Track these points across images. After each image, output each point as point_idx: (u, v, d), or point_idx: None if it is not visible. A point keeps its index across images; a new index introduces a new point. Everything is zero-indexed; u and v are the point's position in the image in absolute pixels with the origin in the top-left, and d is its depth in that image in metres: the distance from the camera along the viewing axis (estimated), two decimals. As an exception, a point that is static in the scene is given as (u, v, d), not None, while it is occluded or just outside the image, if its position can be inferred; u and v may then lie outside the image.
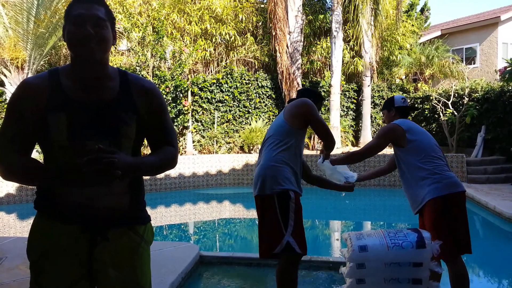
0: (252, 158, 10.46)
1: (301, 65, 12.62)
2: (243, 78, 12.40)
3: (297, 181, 2.71)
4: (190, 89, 11.39)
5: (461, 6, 73.41)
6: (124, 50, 12.45)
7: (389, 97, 3.30)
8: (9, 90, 9.81)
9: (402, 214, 7.89)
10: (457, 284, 2.64)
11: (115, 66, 1.58)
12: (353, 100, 13.37)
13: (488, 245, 5.82)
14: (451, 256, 2.65)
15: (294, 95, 11.93)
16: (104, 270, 1.46)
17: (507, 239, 6.08)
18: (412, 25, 15.86)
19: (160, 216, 7.94)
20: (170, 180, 9.85)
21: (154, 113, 1.55)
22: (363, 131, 12.85)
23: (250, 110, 12.44)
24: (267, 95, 12.67)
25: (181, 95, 11.05)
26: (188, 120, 11.30)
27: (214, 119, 12.01)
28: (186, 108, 11.15)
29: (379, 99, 13.54)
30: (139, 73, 10.45)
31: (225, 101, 12.19)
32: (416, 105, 12.52)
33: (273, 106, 12.69)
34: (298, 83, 12.02)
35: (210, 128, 11.95)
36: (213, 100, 12.08)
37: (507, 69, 9.94)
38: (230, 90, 12.23)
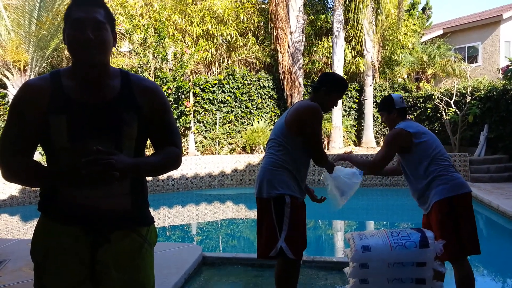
0: (255, 158, 10.46)
1: (303, 65, 12.61)
2: (244, 79, 12.40)
3: (297, 185, 2.67)
4: (192, 90, 11.40)
5: (463, 5, 73.27)
6: (126, 52, 12.47)
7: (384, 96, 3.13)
8: (12, 92, 9.84)
9: (405, 214, 7.87)
10: (462, 285, 2.62)
11: (117, 67, 1.59)
12: (355, 99, 13.36)
13: (492, 244, 5.79)
14: (456, 257, 2.63)
15: (295, 95, 11.93)
16: (107, 272, 1.46)
17: (511, 238, 6.06)
18: (414, 24, 15.83)
19: (163, 217, 7.95)
20: (173, 181, 9.86)
21: (156, 113, 1.55)
22: (365, 130, 12.84)
23: (252, 110, 12.45)
24: (269, 95, 12.67)
25: (183, 96, 11.06)
26: (190, 121, 11.31)
27: (216, 120, 12.02)
28: (188, 109, 11.16)
29: (381, 99, 13.49)
30: (141, 74, 10.47)
31: (227, 101, 12.19)
32: (418, 104, 12.50)
33: (275, 106, 12.68)
34: (300, 83, 12.01)
35: (212, 129, 11.95)
36: (215, 101, 12.08)
37: (510, 67, 9.92)
38: (232, 91, 12.23)
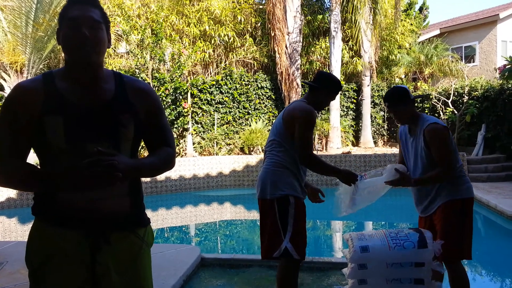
0: (253, 159, 10.45)
1: (301, 65, 12.61)
2: (242, 79, 12.39)
3: (299, 185, 2.68)
4: (189, 91, 11.38)
5: (459, 4, 73.45)
6: (123, 53, 12.44)
7: (387, 92, 2.97)
8: (9, 94, 9.80)
9: (404, 214, 7.88)
10: (457, 287, 2.62)
11: (114, 69, 1.58)
12: (353, 100, 13.37)
13: (490, 243, 5.80)
14: (455, 259, 2.63)
15: (293, 95, 11.93)
16: (108, 274, 1.45)
17: (509, 237, 6.07)
18: (411, 24, 15.86)
19: (161, 218, 7.93)
20: (171, 182, 9.84)
21: (150, 114, 1.55)
22: (363, 131, 12.86)
23: (250, 111, 12.44)
24: (267, 96, 12.67)
25: (180, 97, 11.05)
26: (188, 122, 11.29)
27: (214, 120, 12.00)
28: (185, 110, 11.14)
29: (379, 99, 13.53)
30: (138, 75, 10.45)
31: (224, 102, 12.18)
32: (416, 104, 12.51)
33: (272, 107, 12.68)
34: (297, 84, 12.01)
35: (210, 130, 11.94)
36: (213, 101, 12.07)
37: (507, 67, 9.93)
38: (230, 92, 12.22)
